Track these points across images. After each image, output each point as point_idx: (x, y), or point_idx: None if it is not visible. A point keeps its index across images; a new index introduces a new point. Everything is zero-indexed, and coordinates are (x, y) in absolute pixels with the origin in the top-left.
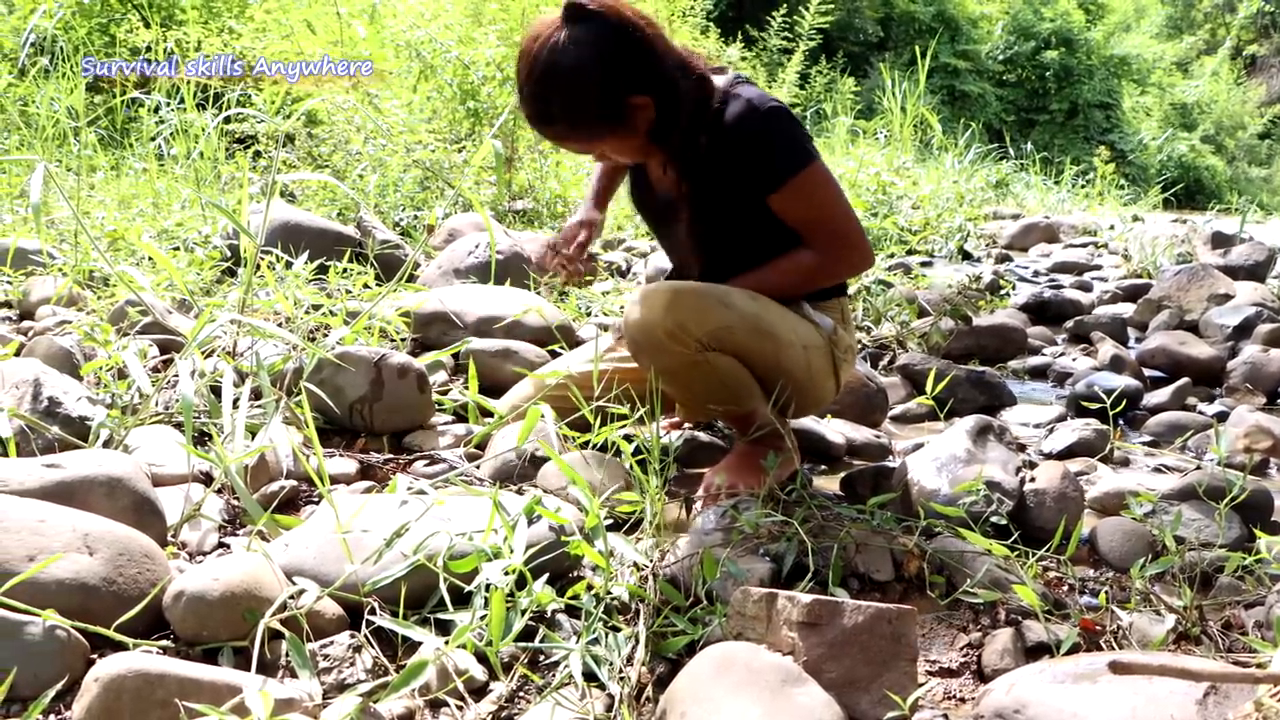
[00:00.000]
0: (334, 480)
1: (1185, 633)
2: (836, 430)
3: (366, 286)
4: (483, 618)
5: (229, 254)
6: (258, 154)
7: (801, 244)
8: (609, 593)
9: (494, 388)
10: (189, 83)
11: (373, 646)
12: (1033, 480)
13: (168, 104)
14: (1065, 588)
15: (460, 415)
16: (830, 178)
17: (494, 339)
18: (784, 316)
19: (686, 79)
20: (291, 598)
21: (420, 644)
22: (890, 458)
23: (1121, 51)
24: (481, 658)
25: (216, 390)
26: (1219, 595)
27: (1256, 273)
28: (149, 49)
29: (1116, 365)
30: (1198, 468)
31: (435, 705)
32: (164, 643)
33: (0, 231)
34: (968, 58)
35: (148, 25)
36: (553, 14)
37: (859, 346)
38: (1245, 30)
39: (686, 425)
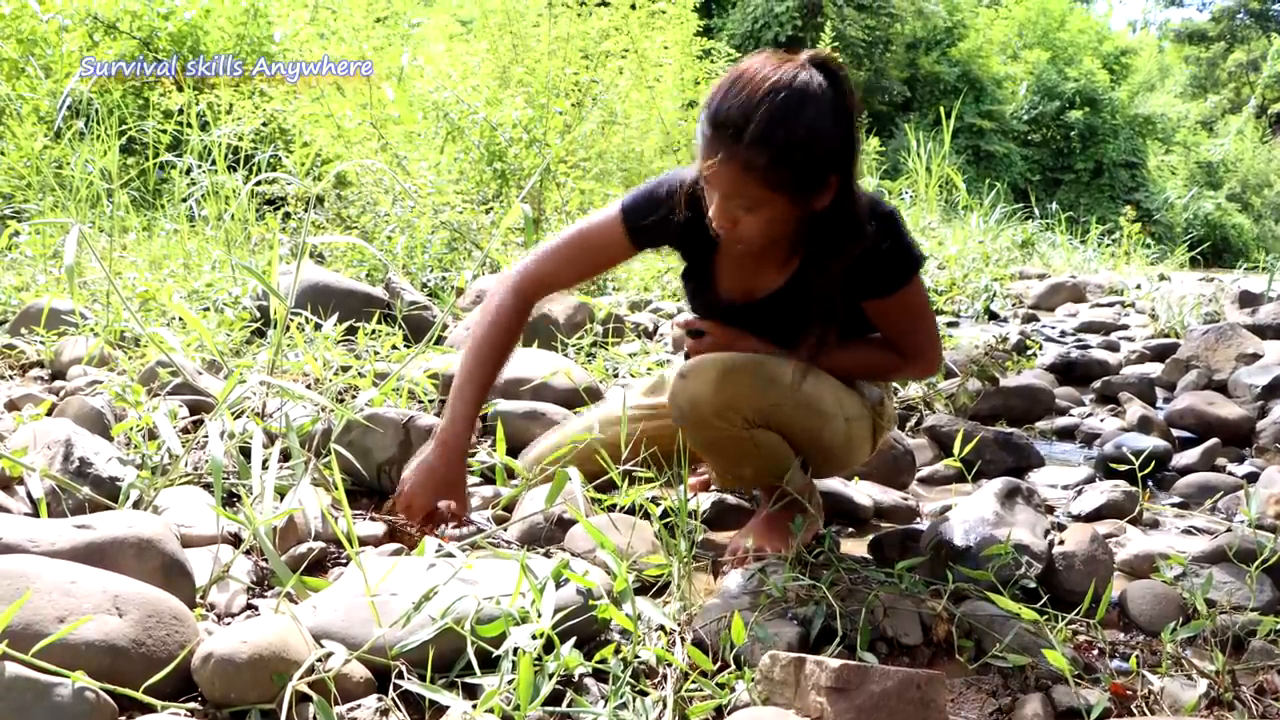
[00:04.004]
0: (362, 542)
1: (1218, 698)
2: (864, 492)
3: (395, 348)
4: (510, 682)
5: (259, 315)
6: (287, 215)
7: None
8: (636, 657)
9: (521, 449)
10: (220, 145)
11: (400, 710)
12: (1061, 543)
13: (199, 166)
14: (1095, 652)
15: (488, 477)
16: (924, 285)
17: (521, 401)
18: (832, 389)
19: None
20: (319, 660)
21: (448, 708)
22: (918, 520)
23: (1146, 111)
24: None
25: (246, 451)
26: (1251, 660)
27: None
28: (181, 111)
29: (1145, 426)
30: (1228, 530)
31: None
32: (192, 705)
33: (34, 292)
34: (992, 118)
35: (181, 89)
36: (787, 54)
37: None
38: (1270, 89)
39: (713, 487)
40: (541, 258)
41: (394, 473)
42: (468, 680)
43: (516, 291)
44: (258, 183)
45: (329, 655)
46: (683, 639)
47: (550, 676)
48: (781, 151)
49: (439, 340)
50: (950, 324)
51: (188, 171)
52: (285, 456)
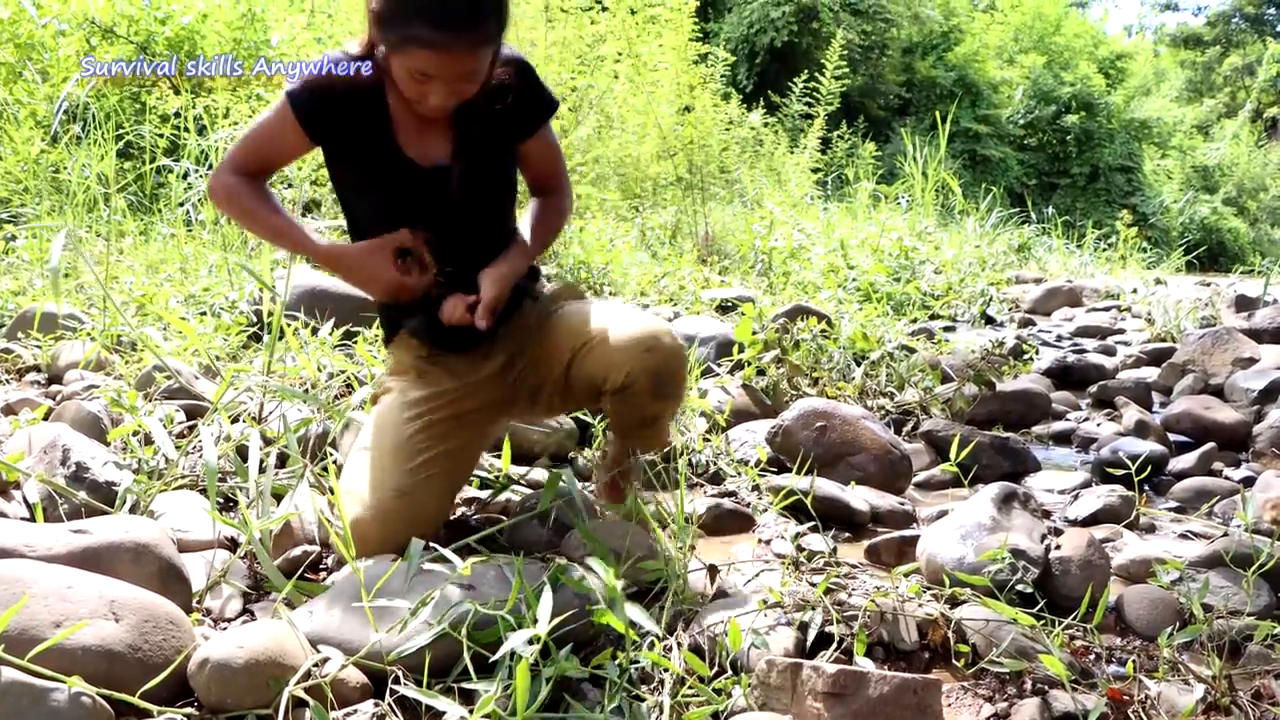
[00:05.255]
0: None
1: (1214, 703)
2: (861, 497)
3: None
4: (507, 687)
5: (255, 319)
6: None
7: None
8: (633, 662)
9: (520, 454)
10: (217, 149)
11: (397, 715)
12: (1058, 547)
13: (196, 170)
14: (1092, 656)
15: (486, 483)
16: None
17: None
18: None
19: None
20: (316, 666)
21: (444, 713)
22: (914, 525)
23: (1142, 115)
24: None
25: (244, 454)
26: (1248, 664)
27: None
28: (178, 114)
29: (1141, 430)
30: (1225, 534)
31: None
32: (188, 710)
33: (31, 296)
34: (988, 122)
35: (178, 92)
36: None
37: (882, 412)
38: (1265, 93)
39: (710, 494)
40: (234, 152)
41: None
42: (464, 685)
43: (233, 173)
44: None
45: (325, 660)
46: (679, 644)
47: (547, 681)
48: (501, 14)
49: None
50: (947, 328)
51: (185, 176)
52: (282, 460)
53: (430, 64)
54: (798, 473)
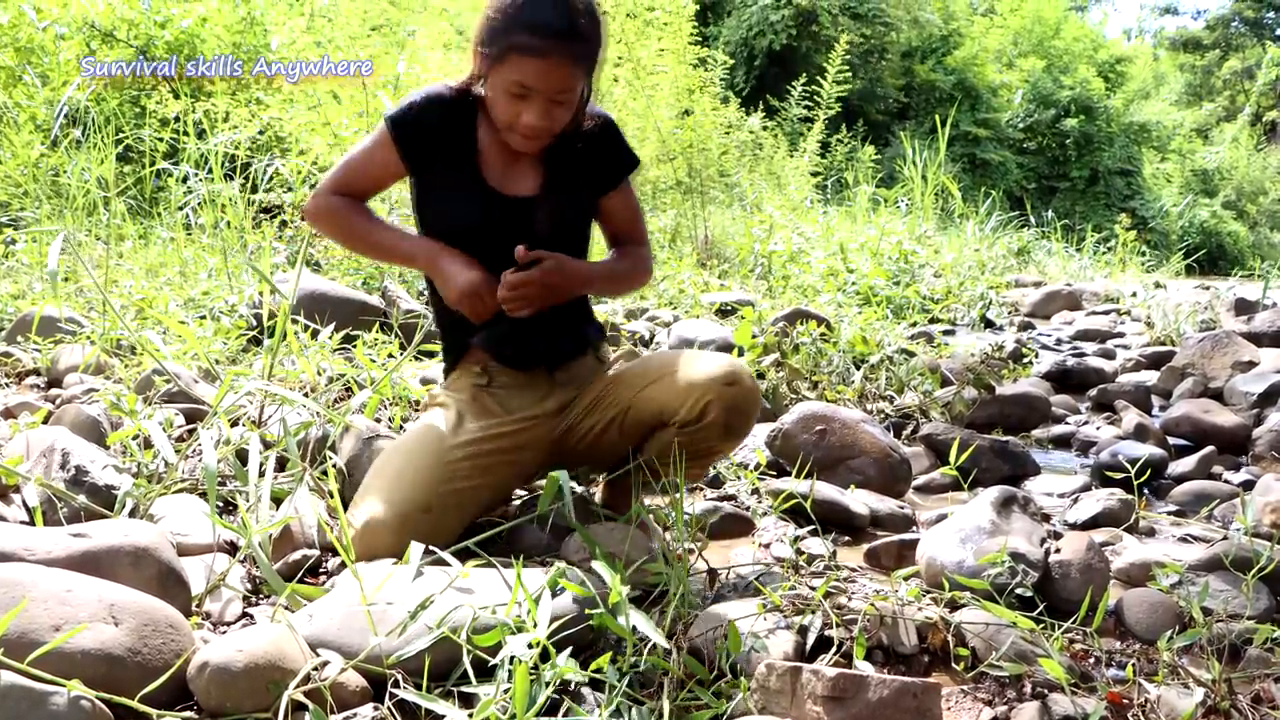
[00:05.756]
0: None
1: (1214, 706)
2: (860, 501)
3: (391, 356)
4: (506, 691)
5: (254, 323)
6: (284, 223)
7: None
8: (633, 666)
9: None
10: (216, 153)
11: (396, 719)
12: (1057, 551)
13: (195, 174)
14: (1091, 660)
15: None
16: None
17: None
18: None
19: None
20: (315, 669)
21: (444, 717)
22: (914, 528)
23: (1141, 119)
24: None
25: (243, 457)
26: (1248, 668)
27: None
28: (177, 119)
29: (1141, 434)
30: (1224, 538)
31: None
32: (188, 714)
33: (30, 300)
34: (988, 126)
35: (177, 96)
36: None
37: (881, 415)
38: (1264, 97)
39: (710, 498)
40: (334, 175)
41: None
42: (464, 689)
43: (334, 194)
44: (254, 189)
45: (325, 664)
46: (679, 648)
47: (546, 685)
48: (597, 34)
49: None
50: (946, 332)
51: (184, 180)
52: (281, 464)
53: (528, 72)
54: (797, 476)
